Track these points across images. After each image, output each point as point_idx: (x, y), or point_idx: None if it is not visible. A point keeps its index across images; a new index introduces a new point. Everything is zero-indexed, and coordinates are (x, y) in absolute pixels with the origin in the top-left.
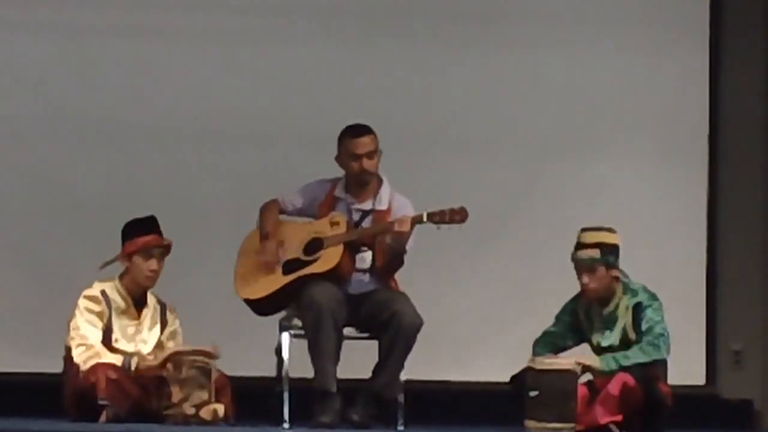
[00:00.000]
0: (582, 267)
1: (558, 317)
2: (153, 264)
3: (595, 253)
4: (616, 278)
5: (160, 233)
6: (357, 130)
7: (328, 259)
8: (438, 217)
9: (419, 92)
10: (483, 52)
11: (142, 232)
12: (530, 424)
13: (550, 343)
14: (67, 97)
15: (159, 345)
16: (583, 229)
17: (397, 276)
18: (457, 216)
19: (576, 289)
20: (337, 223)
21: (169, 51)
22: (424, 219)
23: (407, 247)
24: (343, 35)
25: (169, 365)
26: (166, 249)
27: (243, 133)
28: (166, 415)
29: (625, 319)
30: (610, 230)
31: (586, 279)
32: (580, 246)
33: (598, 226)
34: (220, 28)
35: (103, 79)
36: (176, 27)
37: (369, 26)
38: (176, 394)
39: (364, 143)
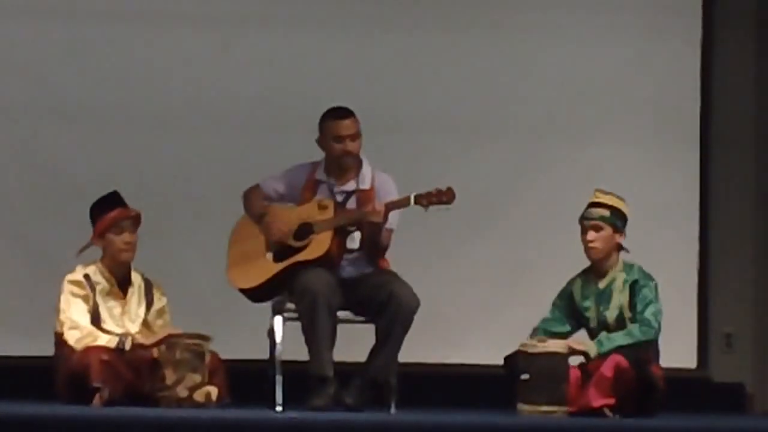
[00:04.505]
0: (589, 224)
1: (554, 303)
2: (126, 236)
3: (605, 212)
4: (619, 246)
5: (125, 205)
6: (340, 113)
7: (319, 245)
8: (425, 199)
9: (412, 76)
10: (476, 37)
11: (107, 209)
12: (522, 407)
13: (546, 330)
14: (58, 82)
15: (146, 323)
16: (598, 189)
17: (390, 258)
18: (445, 197)
19: (570, 269)
20: (326, 207)
21: (160, 36)
22: (411, 201)
23: (393, 227)
24: (335, 19)
25: (163, 347)
26: (136, 219)
27: (234, 118)
28: (160, 398)
29: (620, 296)
30: (622, 199)
31: (591, 236)
32: (591, 204)
33: (612, 192)
34: (211, 13)
35: (94, 64)
36: (167, 12)
37: (360, 10)
38: (170, 376)
39: (347, 125)
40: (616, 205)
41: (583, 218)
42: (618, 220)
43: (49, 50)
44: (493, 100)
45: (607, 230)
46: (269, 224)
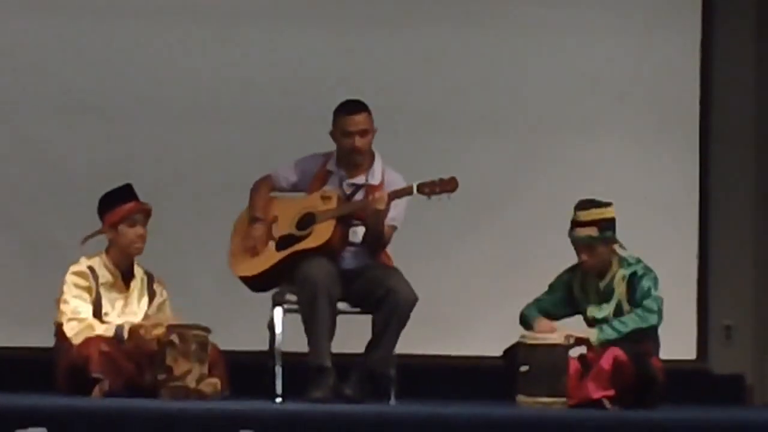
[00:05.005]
0: (580, 246)
1: (552, 287)
2: (139, 230)
3: (593, 231)
4: (614, 250)
5: (138, 199)
6: (352, 108)
7: (320, 234)
8: (428, 188)
9: (412, 72)
10: (476, 34)
11: (121, 201)
12: (522, 399)
13: (541, 309)
14: (58, 74)
15: (147, 317)
16: (578, 207)
17: (390, 251)
18: (448, 186)
19: (570, 262)
20: (329, 198)
21: (164, 30)
22: (414, 190)
23: (397, 224)
24: (340, 15)
25: (175, 337)
26: (148, 213)
27: (236, 110)
28: (170, 388)
29: (620, 290)
30: (605, 205)
31: (584, 257)
32: (576, 224)
33: (592, 201)
34: (215, 7)
35: (94, 56)
36: (171, 6)
37: (364, 6)
38: (179, 367)
39: (357, 121)
40: (600, 217)
41: (573, 239)
42: (607, 230)
43: (51, 45)
44: (493, 96)
45: (599, 247)
46: (253, 230)
